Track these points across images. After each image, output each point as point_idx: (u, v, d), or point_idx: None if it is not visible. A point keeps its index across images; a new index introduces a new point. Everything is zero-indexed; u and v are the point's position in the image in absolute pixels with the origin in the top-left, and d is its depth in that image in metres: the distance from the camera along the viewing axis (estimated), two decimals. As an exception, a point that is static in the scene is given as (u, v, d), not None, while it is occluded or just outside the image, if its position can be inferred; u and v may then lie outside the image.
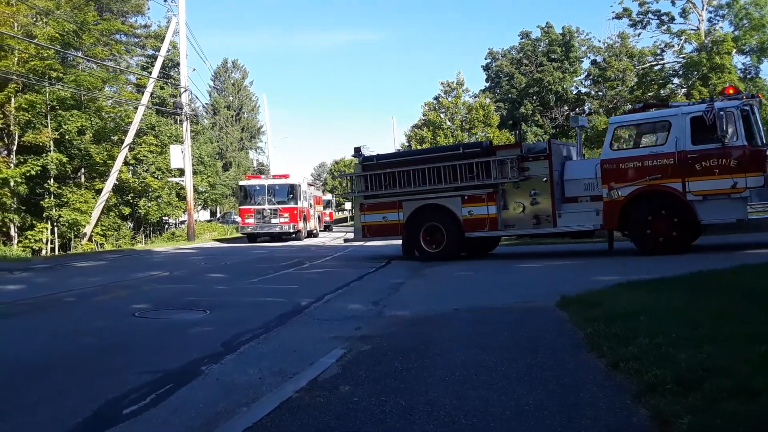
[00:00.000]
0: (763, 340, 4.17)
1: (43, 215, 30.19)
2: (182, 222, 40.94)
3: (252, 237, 29.09)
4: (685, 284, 7.18)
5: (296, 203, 28.92)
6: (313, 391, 4.09)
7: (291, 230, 28.24)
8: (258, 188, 29.22)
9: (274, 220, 28.06)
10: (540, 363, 4.48)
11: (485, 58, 60.67)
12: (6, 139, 29.46)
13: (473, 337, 5.49)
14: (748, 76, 36.00)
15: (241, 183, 30.90)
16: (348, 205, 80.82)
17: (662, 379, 3.58)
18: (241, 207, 29.74)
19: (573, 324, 5.65)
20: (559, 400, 3.64)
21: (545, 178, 12.57)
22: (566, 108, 55.45)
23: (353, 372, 4.51)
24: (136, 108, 32.01)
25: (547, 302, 6.98)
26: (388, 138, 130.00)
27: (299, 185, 29.77)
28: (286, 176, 30.02)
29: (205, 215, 58.72)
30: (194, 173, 35.06)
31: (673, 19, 36.96)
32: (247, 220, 28.42)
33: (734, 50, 33.88)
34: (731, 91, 12.04)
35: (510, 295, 7.92)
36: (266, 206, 28.24)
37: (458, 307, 7.19)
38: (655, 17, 37.34)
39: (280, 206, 28.20)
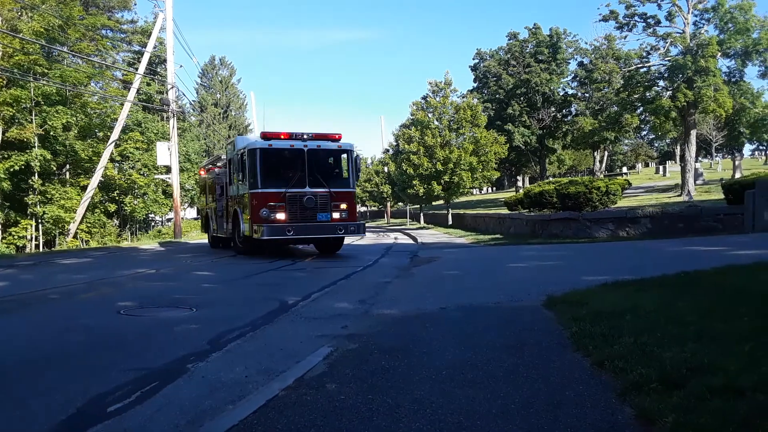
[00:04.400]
0: (748, 339, 4.22)
1: (28, 212, 29.94)
2: (169, 219, 40.77)
3: (275, 245, 16.60)
4: (670, 284, 7.25)
5: (353, 186, 16.54)
6: (300, 389, 4.08)
7: (354, 230, 15.77)
8: (288, 155, 15.48)
9: (321, 216, 15.25)
10: (526, 362, 4.50)
11: (473, 59, 61.09)
12: (-11, 135, 29.18)
13: (460, 336, 5.50)
14: (733, 80, 36.33)
15: (255, 144, 15.46)
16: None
17: (647, 378, 3.62)
18: (252, 191, 15.11)
19: (559, 323, 5.69)
20: (544, 399, 3.66)
21: None
22: (553, 109, 55.83)
23: (340, 370, 4.51)
24: (122, 104, 31.80)
25: (533, 301, 7.02)
26: (376, 137, 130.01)
27: (356, 154, 16.91)
28: (334, 137, 16.25)
29: (192, 213, 58.39)
30: (181, 170, 34.90)
31: (659, 22, 37.21)
32: (274, 216, 14.84)
33: (719, 53, 34.17)
34: None
35: (497, 294, 7.94)
36: (307, 190, 15.12)
37: (445, 306, 7.20)
38: (642, 20, 37.56)
39: (332, 190, 15.46)
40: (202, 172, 23.80)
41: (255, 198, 14.96)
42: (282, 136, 15.52)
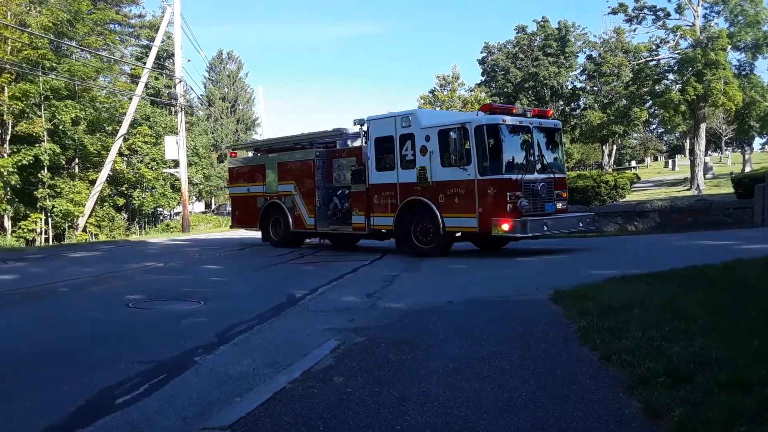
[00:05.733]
0: (756, 334, 4.20)
1: (37, 205, 30.11)
2: (177, 213, 40.88)
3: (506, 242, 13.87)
4: (679, 278, 7.22)
5: (565, 171, 14.63)
6: (307, 382, 4.09)
7: (590, 223, 13.87)
8: (517, 134, 12.89)
9: (549, 206, 12.75)
10: (533, 355, 4.50)
11: (481, 52, 60.81)
12: (-1, 129, 29.35)
13: (467, 330, 5.50)
14: (743, 73, 36.05)
15: (485, 119, 12.31)
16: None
17: (654, 372, 3.61)
18: (483, 178, 12.07)
19: (566, 317, 5.68)
20: (551, 392, 3.65)
21: None
22: (561, 103, 55.59)
23: (347, 363, 4.52)
24: (131, 98, 31.87)
25: (540, 295, 7.01)
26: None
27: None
28: (550, 113, 14.47)
29: (200, 207, 58.69)
30: (189, 165, 35.00)
31: (668, 14, 36.94)
32: (525, 207, 11.99)
33: (729, 46, 33.89)
34: None
35: (504, 288, 7.93)
36: (537, 176, 12.62)
37: (452, 299, 7.20)
38: (651, 13, 37.29)
39: (555, 176, 13.16)
40: (240, 155, 19.61)
41: (494, 185, 12.06)
42: (510, 111, 13.15)
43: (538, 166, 12.69)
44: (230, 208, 19.42)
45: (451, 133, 12.37)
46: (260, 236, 18.06)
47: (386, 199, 13.84)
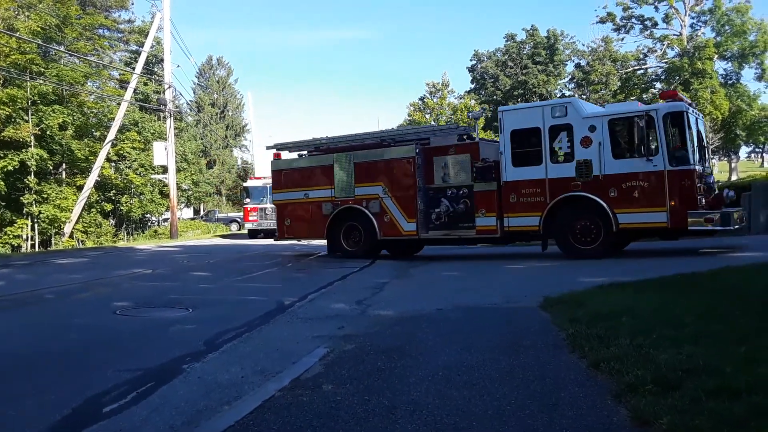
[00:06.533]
0: (744, 340, 4.23)
1: (23, 211, 29.84)
2: (165, 220, 40.61)
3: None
4: (667, 285, 7.26)
5: None
6: (296, 390, 4.07)
7: (743, 220, 13.33)
8: (691, 120, 11.86)
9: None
10: (522, 363, 4.50)
11: (471, 60, 60.98)
12: (-15, 134, 29.07)
13: (456, 337, 5.50)
14: (729, 82, 36.46)
15: (669, 107, 11.54)
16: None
17: (643, 380, 3.62)
18: (674, 168, 11.25)
19: (555, 324, 5.69)
20: (540, 400, 3.66)
21: None
22: (550, 110, 55.76)
23: (336, 371, 4.51)
24: (119, 104, 31.75)
25: (530, 303, 7.02)
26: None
27: None
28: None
29: (188, 213, 58.36)
30: (178, 170, 34.84)
31: (656, 24, 37.41)
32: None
33: (716, 56, 34.33)
34: None
35: (493, 295, 7.94)
36: (705, 168, 12.46)
37: (442, 307, 7.20)
38: (639, 22, 37.77)
39: (712, 170, 13.21)
40: (287, 156, 16.50)
41: (687, 177, 11.21)
42: (683, 99, 12.21)
43: (703, 159, 12.21)
44: (276, 218, 16.81)
45: (636, 120, 11.46)
46: (274, 242, 16.45)
47: (528, 197, 12.63)
